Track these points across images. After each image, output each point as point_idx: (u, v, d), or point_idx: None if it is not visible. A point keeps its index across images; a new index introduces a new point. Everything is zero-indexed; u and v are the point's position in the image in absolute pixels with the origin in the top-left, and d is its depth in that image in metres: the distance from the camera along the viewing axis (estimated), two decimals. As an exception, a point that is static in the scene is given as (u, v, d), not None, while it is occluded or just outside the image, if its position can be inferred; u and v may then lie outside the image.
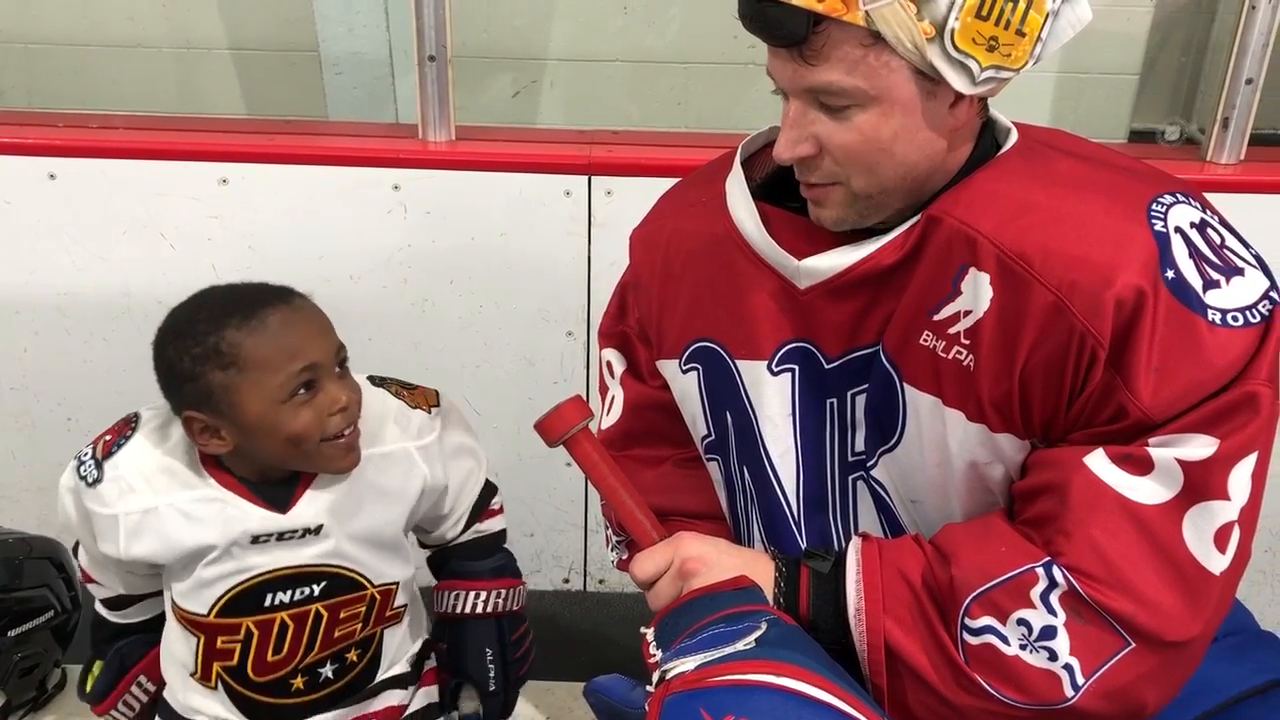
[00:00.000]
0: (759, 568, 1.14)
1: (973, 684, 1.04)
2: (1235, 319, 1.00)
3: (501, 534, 1.58)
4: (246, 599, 1.32)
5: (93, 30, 3.04)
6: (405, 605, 1.44)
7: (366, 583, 1.37)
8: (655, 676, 1.06)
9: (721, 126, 3.04)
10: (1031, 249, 1.01)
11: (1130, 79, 3.10)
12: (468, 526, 1.53)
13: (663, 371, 1.31)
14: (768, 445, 1.22)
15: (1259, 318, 1.01)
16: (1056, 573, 1.02)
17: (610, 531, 1.45)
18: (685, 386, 1.27)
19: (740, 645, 1.07)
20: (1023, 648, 1.03)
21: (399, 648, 1.45)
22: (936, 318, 1.07)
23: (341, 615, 1.37)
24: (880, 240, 1.08)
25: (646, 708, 1.01)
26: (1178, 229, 1.02)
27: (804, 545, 1.24)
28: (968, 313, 1.05)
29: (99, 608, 1.48)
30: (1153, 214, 1.02)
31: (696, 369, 1.25)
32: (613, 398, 1.40)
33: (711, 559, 1.13)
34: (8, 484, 2.30)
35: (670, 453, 1.38)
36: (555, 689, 1.77)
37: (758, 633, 1.09)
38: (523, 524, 2.30)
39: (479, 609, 1.51)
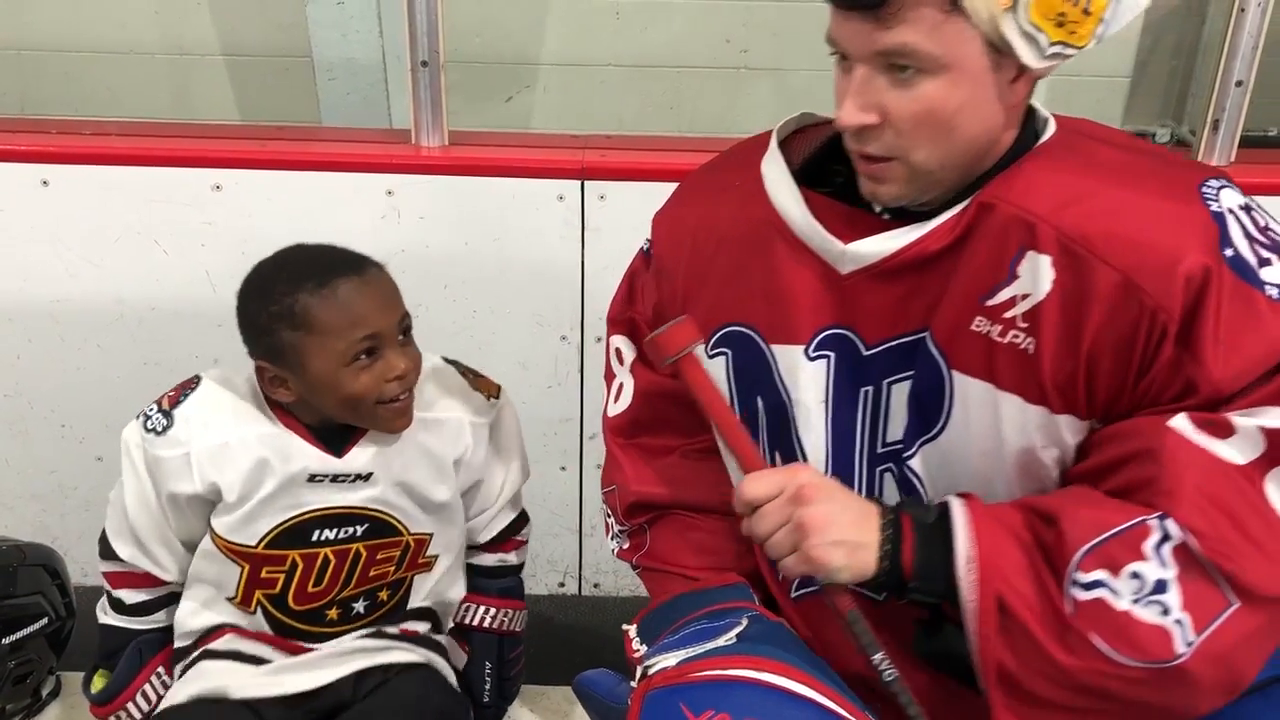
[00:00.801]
0: (868, 510, 1.11)
1: (1082, 642, 1.02)
2: None
3: (520, 566, 1.67)
4: (295, 533, 1.43)
5: (85, 36, 3.04)
6: (437, 556, 1.53)
7: (404, 529, 1.47)
8: (638, 672, 1.06)
9: (715, 130, 3.05)
10: (1094, 232, 1.03)
11: (1122, 81, 3.12)
12: (499, 541, 1.61)
13: None
14: (800, 431, 1.21)
15: None
16: (1170, 525, 1.01)
17: (612, 520, 1.44)
18: (711, 371, 1.25)
19: (721, 641, 1.08)
20: (1135, 602, 1.01)
21: (428, 593, 1.55)
22: (990, 303, 1.07)
23: (378, 556, 1.47)
24: (928, 225, 1.09)
25: (629, 703, 1.02)
26: (1231, 210, 1.06)
27: None
28: (1025, 296, 1.06)
29: (113, 619, 1.51)
30: (1206, 196, 1.06)
31: (725, 354, 1.24)
32: (620, 385, 1.40)
33: (827, 490, 1.10)
34: (2, 491, 2.30)
35: (678, 443, 1.37)
36: (549, 693, 1.78)
37: (739, 628, 1.10)
38: (517, 528, 2.30)
39: (485, 623, 1.61)
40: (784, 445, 1.23)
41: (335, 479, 1.41)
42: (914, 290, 1.11)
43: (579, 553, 2.37)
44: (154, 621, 1.51)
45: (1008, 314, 1.07)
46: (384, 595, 1.50)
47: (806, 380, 1.19)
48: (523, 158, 2.06)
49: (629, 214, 2.02)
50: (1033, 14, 0.97)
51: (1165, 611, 1.01)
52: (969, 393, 1.11)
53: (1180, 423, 1.03)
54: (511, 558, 1.65)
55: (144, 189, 2.03)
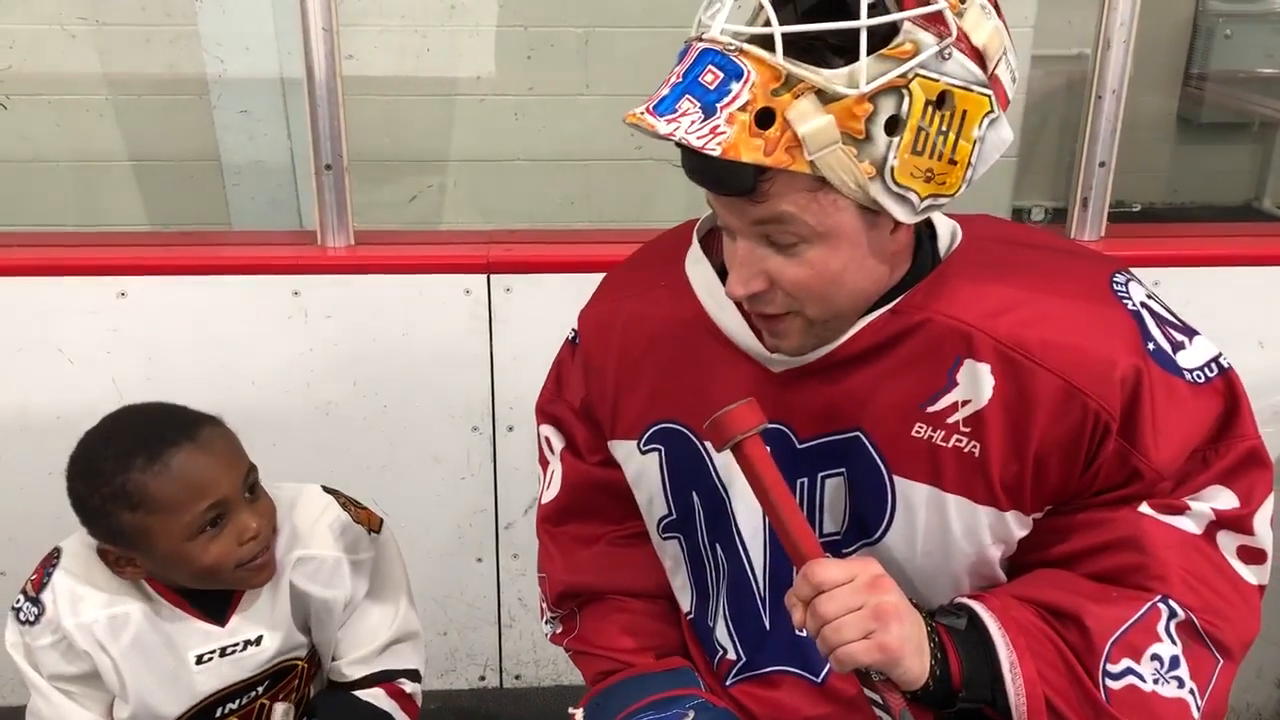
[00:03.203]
0: (918, 615, 1.10)
1: None
2: (1205, 374, 1.14)
3: None
4: (198, 718, 1.38)
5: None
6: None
7: (299, 660, 1.44)
8: None
9: (621, 219, 3.13)
10: (1030, 340, 1.08)
11: (1009, 161, 3.27)
12: (371, 683, 1.49)
13: (614, 452, 1.31)
14: (739, 524, 1.23)
15: (1218, 370, 1.15)
16: (1174, 604, 1.10)
17: (546, 605, 1.43)
18: (643, 467, 1.27)
19: None
20: (1156, 682, 1.08)
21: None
22: (931, 409, 1.11)
23: (281, 696, 1.44)
24: (853, 328, 1.12)
25: None
26: (1142, 304, 1.14)
27: (768, 623, 1.25)
28: (966, 402, 1.10)
29: None
30: (1119, 294, 1.13)
31: (658, 450, 1.26)
32: (553, 472, 1.41)
33: (895, 585, 1.07)
34: (-100, 612, 2.23)
35: (605, 530, 1.38)
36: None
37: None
38: (435, 623, 2.29)
39: None
40: (723, 538, 1.25)
41: (225, 652, 1.36)
42: (844, 390, 1.14)
43: (499, 645, 2.36)
44: None
45: (950, 419, 1.11)
46: (289, 718, 1.48)
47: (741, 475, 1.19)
48: (428, 254, 2.10)
49: (535, 305, 2.08)
50: (899, 176, 0.99)
51: (1181, 684, 1.09)
52: (912, 497, 1.14)
53: (1147, 510, 1.12)
54: (384, 702, 1.47)
55: (48, 299, 2.02)
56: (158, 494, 1.24)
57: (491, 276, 2.06)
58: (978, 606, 1.13)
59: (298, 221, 3.04)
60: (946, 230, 1.17)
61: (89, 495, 1.27)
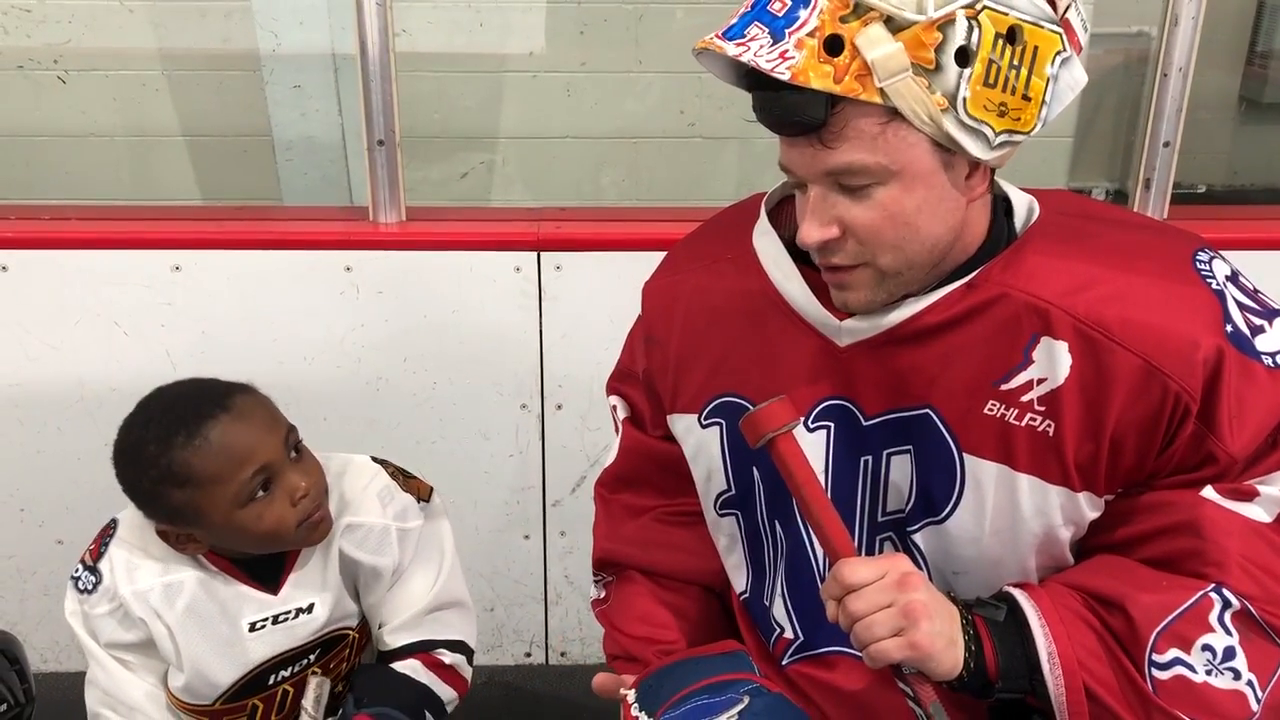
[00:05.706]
0: (952, 608, 1.11)
1: (1170, 718, 1.06)
2: None
3: (437, 702, 1.48)
4: (251, 685, 1.40)
5: (44, 121, 3.06)
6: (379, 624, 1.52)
7: (350, 629, 1.46)
8: None
9: (670, 198, 3.10)
10: (1109, 318, 1.06)
11: (1064, 141, 3.21)
12: (410, 653, 1.48)
13: (674, 426, 1.30)
14: None
15: None
16: (1228, 594, 1.07)
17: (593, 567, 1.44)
18: (704, 441, 1.27)
19: (723, 719, 1.10)
20: (1209, 673, 1.06)
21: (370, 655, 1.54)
22: (1005, 387, 1.09)
23: (332, 665, 1.46)
24: (924, 300, 1.11)
25: None
26: (1227, 278, 1.11)
27: None
28: (1042, 380, 1.08)
29: None
30: (1202, 273, 1.10)
31: (719, 424, 1.25)
32: (617, 440, 1.42)
33: (925, 581, 1.08)
34: (-40, 578, 2.28)
35: (655, 504, 1.38)
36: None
37: (739, 706, 1.12)
38: (482, 598, 2.30)
39: None
40: (783, 515, 1.24)
41: (277, 620, 1.38)
42: (913, 365, 1.13)
43: (545, 621, 2.37)
44: None
45: (1024, 397, 1.09)
46: (340, 687, 1.49)
47: (806, 451, 1.16)
48: (479, 231, 2.10)
49: (585, 283, 2.07)
50: (972, 109, 0.98)
51: (1237, 676, 1.07)
52: (982, 475, 1.12)
53: (1211, 493, 1.09)
54: (421, 674, 1.46)
55: (103, 272, 2.05)
56: (202, 468, 1.26)
57: (542, 254, 2.05)
58: (1020, 595, 1.11)
59: (348, 197, 3.04)
60: (1023, 205, 1.15)
61: (138, 480, 1.29)
